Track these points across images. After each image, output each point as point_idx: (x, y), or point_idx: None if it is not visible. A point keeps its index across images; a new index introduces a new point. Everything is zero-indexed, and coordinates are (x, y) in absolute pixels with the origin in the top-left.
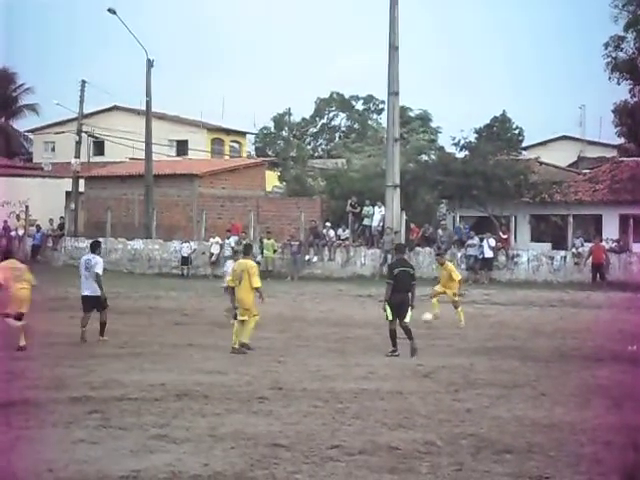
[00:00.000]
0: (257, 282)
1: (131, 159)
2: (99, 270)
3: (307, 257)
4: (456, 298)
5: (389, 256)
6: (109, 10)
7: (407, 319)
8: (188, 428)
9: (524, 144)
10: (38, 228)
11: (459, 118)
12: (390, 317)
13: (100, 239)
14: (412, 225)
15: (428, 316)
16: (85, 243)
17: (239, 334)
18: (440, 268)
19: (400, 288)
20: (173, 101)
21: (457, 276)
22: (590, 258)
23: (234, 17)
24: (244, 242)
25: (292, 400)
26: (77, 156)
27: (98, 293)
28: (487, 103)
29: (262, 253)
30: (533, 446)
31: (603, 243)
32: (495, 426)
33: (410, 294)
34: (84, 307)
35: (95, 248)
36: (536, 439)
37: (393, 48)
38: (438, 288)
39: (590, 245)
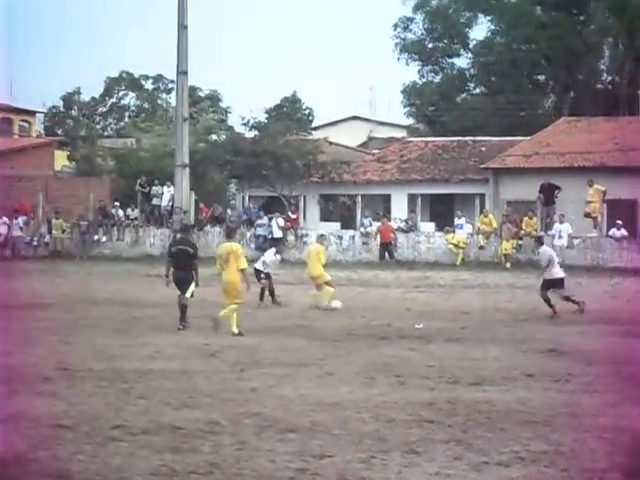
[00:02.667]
0: (244, 264)
1: None
2: None
3: (96, 237)
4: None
5: (178, 236)
6: None
7: (187, 294)
8: None
9: (314, 124)
10: None
11: (250, 98)
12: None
13: None
14: (201, 205)
15: (337, 304)
16: None
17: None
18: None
19: (177, 265)
20: None
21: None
22: (378, 237)
23: None
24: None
25: (77, 380)
26: None
27: None
28: (278, 83)
29: (50, 233)
30: (317, 425)
31: (391, 222)
32: (279, 405)
33: (191, 272)
34: None
35: None
36: (320, 418)
37: (182, 27)
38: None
39: (378, 224)
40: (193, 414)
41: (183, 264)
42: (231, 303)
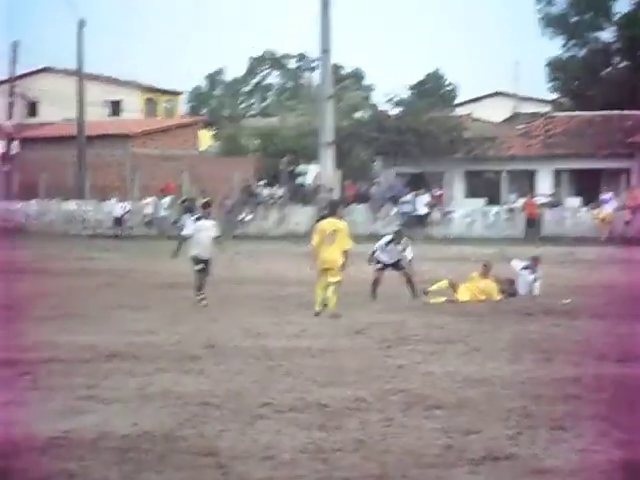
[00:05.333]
0: (350, 243)
1: (65, 120)
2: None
3: (241, 216)
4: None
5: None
6: None
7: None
8: (117, 388)
9: (458, 100)
10: None
11: (393, 75)
12: None
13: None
14: (347, 182)
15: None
16: (22, 205)
17: (323, 298)
18: None
19: None
20: (106, 61)
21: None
22: (524, 213)
23: None
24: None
25: (223, 358)
26: (10, 118)
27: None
28: (421, 60)
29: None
30: (464, 401)
31: (537, 198)
32: (426, 382)
33: None
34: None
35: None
36: (467, 394)
37: (325, 5)
38: None
39: (524, 200)
40: (340, 391)
41: None
42: (332, 283)
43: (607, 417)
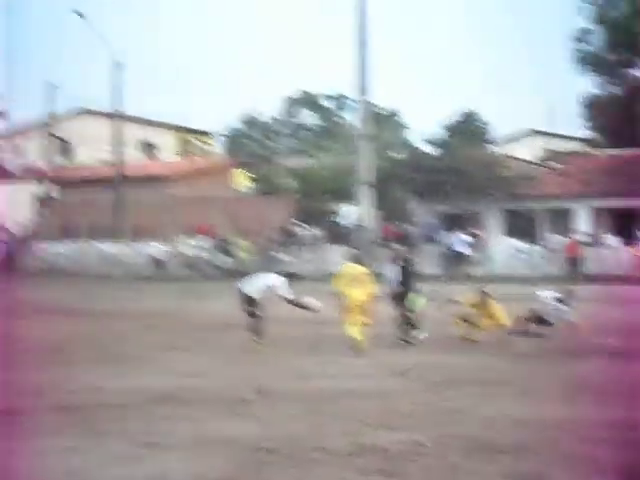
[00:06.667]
0: (374, 288)
1: (101, 162)
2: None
3: (280, 256)
4: None
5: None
6: (76, 12)
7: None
8: (173, 434)
9: (493, 139)
10: (11, 234)
11: (426, 113)
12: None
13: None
14: (385, 223)
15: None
16: (59, 247)
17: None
18: None
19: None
20: (141, 102)
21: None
22: (565, 252)
23: (199, 18)
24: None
25: (274, 402)
26: (46, 160)
27: None
28: (453, 98)
29: (230, 255)
30: (525, 445)
31: (577, 237)
32: (483, 425)
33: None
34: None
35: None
36: (527, 437)
37: (361, 45)
38: None
39: (564, 239)
40: (395, 435)
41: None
42: (364, 323)
43: None
